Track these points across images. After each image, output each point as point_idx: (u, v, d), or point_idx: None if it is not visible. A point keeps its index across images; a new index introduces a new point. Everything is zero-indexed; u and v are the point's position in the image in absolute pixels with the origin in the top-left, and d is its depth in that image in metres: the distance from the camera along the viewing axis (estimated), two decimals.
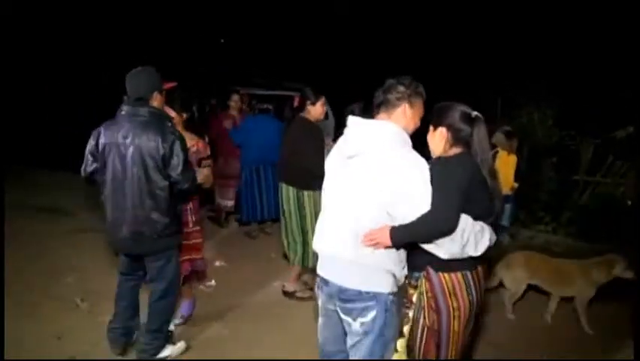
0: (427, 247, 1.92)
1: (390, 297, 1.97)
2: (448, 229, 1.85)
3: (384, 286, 1.95)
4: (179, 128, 3.28)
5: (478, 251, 1.93)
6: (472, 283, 1.99)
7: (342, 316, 2.06)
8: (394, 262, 1.98)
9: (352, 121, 2.10)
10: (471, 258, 1.95)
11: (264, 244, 5.28)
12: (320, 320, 2.22)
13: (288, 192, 3.81)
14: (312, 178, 3.56)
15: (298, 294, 4.00)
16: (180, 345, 3.07)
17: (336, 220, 2.04)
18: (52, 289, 3.88)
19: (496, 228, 2.07)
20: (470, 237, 1.89)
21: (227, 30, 13.06)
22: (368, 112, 3.95)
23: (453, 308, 1.97)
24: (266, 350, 3.18)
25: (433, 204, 1.83)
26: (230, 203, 5.86)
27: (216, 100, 7.80)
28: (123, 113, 2.65)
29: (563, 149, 6.79)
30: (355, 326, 2.00)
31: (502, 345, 3.40)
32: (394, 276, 1.98)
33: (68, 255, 4.52)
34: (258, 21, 12.42)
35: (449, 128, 2.04)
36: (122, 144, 2.61)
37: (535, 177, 6.48)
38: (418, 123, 2.10)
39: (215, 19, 12.20)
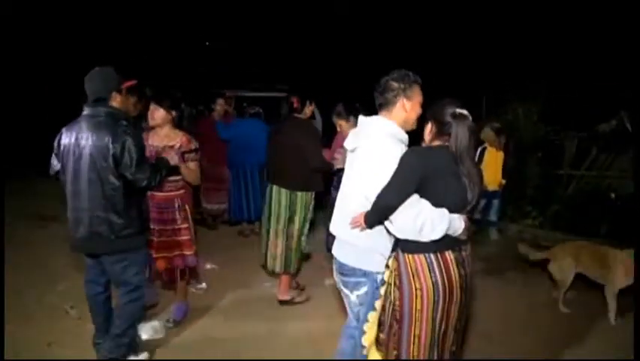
0: (387, 226, 2.13)
1: (379, 276, 2.26)
2: (387, 209, 2.05)
3: (374, 266, 2.25)
4: (167, 126, 3.28)
5: (436, 235, 2.03)
6: (435, 266, 2.09)
7: (342, 288, 2.41)
8: (384, 245, 2.23)
9: (359, 120, 2.37)
10: (434, 242, 2.06)
11: (254, 246, 5.26)
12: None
13: (280, 195, 3.68)
14: (317, 177, 3.61)
15: (297, 300, 3.91)
16: (143, 356, 2.97)
17: (339, 205, 2.40)
18: (44, 297, 3.85)
19: (471, 219, 2.20)
20: (427, 221, 2.02)
21: (212, 32, 13.01)
22: (351, 110, 4.00)
23: (415, 288, 2.10)
24: (260, 350, 3.18)
25: (381, 188, 2.06)
26: (217, 207, 5.90)
27: (203, 104, 7.79)
28: (84, 113, 2.67)
29: (547, 144, 6.87)
30: (353, 297, 2.35)
31: (493, 336, 3.45)
32: (383, 257, 2.24)
33: (63, 262, 4.47)
34: (244, 23, 12.40)
35: (434, 121, 2.18)
36: (77, 145, 2.62)
37: (521, 173, 6.56)
38: (420, 110, 2.30)
39: (201, 21, 12.16)
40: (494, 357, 3.18)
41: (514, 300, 4.12)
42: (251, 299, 3.97)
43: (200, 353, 3.12)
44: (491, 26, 9.04)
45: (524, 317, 3.84)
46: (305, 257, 4.10)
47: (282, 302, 3.86)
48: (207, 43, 13.57)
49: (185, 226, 3.37)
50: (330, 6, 11.23)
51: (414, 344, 2.14)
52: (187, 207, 3.40)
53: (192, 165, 3.27)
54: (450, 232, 2.06)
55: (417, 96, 2.26)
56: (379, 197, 2.05)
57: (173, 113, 3.32)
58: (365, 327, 2.31)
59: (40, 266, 4.48)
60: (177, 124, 3.41)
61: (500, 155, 5.77)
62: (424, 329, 2.12)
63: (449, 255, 2.11)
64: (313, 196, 3.73)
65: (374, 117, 2.30)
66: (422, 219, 2.01)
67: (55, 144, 2.75)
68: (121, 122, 2.64)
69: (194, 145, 3.32)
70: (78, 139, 2.62)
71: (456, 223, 2.07)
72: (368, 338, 2.30)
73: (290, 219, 3.67)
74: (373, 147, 2.20)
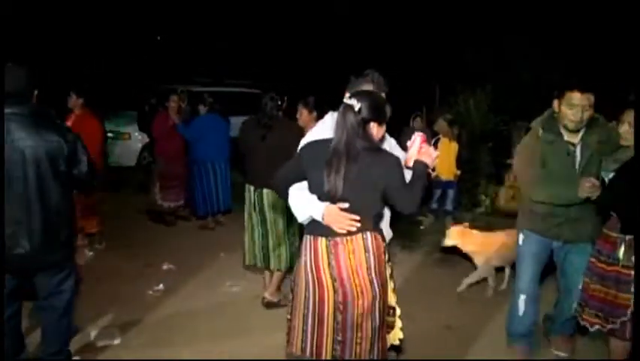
0: None
1: None
2: (274, 186, 2.36)
3: None
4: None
5: (300, 218, 2.21)
6: (308, 248, 2.16)
7: None
8: (385, 231, 2.32)
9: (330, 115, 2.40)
10: (310, 225, 2.17)
11: (213, 244, 5.19)
12: None
13: (271, 198, 3.58)
14: None
15: (283, 302, 3.59)
16: None
17: None
18: None
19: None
20: (297, 205, 2.20)
21: (166, 27, 12.67)
22: (319, 105, 3.93)
23: (299, 264, 2.24)
24: (225, 353, 3.13)
25: None
26: (174, 204, 5.88)
27: (156, 99, 7.59)
28: (9, 112, 2.34)
29: (497, 134, 7.12)
30: None
31: (459, 328, 3.55)
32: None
33: None
34: (196, 18, 12.14)
35: None
36: (13, 149, 2.32)
37: (474, 162, 6.76)
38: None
39: (151, 16, 11.81)
40: (452, 346, 3.29)
41: (466, 289, 4.21)
42: (210, 300, 3.89)
43: (153, 357, 3.02)
44: (441, 18, 9.24)
45: (479, 304, 3.95)
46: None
47: (269, 305, 3.72)
48: (159, 38, 13.20)
49: None
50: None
51: (291, 325, 2.23)
52: None
53: None
54: (318, 219, 2.09)
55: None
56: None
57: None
58: None
59: None
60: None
61: (454, 146, 5.92)
62: (296, 311, 2.19)
63: (320, 241, 2.10)
64: None
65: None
66: (294, 202, 2.19)
67: None
68: (57, 120, 2.48)
69: None
70: (14, 141, 2.32)
71: (316, 211, 2.08)
72: None
73: (289, 220, 3.64)
74: None
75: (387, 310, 2.19)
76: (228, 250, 4.88)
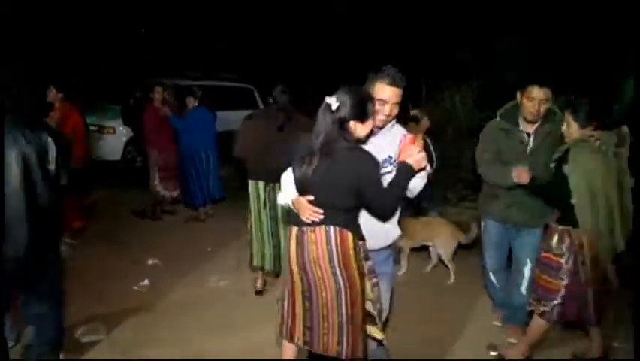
0: None
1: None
2: None
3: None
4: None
5: (280, 202, 2.41)
6: (287, 235, 2.30)
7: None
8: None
9: None
10: (290, 213, 2.34)
11: (199, 238, 5.17)
12: None
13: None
14: None
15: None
16: None
17: None
18: None
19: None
20: (281, 192, 2.36)
21: (151, 19, 12.49)
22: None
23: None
24: (211, 348, 3.13)
25: None
26: (176, 193, 5.96)
27: (141, 93, 7.50)
28: None
29: (482, 130, 7.16)
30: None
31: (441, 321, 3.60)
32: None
33: None
34: (184, 10, 12.00)
35: None
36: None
37: (458, 158, 6.82)
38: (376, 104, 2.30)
39: (135, 8, 11.64)
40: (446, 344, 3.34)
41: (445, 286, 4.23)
42: (196, 295, 3.87)
43: (139, 354, 3.01)
44: (428, 14, 9.28)
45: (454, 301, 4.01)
46: None
47: None
48: (143, 30, 13.02)
49: None
50: None
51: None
52: None
53: None
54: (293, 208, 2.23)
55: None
56: None
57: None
58: None
59: None
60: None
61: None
62: (283, 295, 2.34)
63: (293, 230, 2.23)
64: None
65: None
66: (281, 188, 2.33)
67: None
68: (39, 119, 2.46)
69: None
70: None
71: (288, 199, 2.25)
72: None
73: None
74: None
75: (364, 307, 2.21)
76: (215, 245, 4.87)
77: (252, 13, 11.69)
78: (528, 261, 3.07)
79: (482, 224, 3.34)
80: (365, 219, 2.30)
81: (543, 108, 2.91)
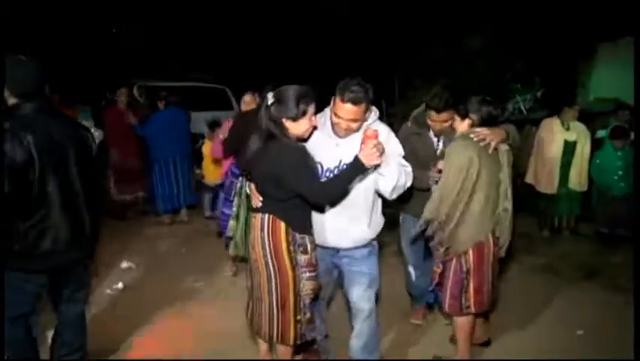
0: None
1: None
2: None
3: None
4: None
5: None
6: None
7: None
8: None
9: None
10: None
11: (173, 240, 5.13)
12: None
13: None
14: None
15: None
16: None
17: None
18: None
19: None
20: None
21: (124, 19, 12.28)
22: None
23: None
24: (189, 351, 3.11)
25: None
26: (130, 196, 5.80)
27: (113, 94, 7.36)
28: (32, 108, 2.21)
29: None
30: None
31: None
32: None
33: None
34: (154, 9, 11.83)
35: None
36: (54, 143, 2.23)
37: None
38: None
39: (107, 7, 11.43)
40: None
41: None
42: (175, 298, 3.82)
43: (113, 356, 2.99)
44: (400, 12, 9.38)
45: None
46: None
47: None
48: (114, 30, 12.80)
49: None
50: None
51: None
52: None
53: None
54: None
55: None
56: None
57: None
58: None
59: None
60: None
61: None
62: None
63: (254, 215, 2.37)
64: None
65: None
66: None
67: (16, 150, 2.10)
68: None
69: None
70: (52, 135, 2.21)
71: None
72: None
73: None
74: None
75: (296, 298, 2.27)
76: (190, 246, 4.84)
77: (227, 14, 11.62)
78: None
79: (400, 219, 3.35)
80: (332, 215, 2.36)
81: (444, 127, 2.94)
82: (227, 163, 3.96)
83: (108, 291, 3.87)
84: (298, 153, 2.20)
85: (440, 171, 2.73)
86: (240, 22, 11.67)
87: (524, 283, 4.11)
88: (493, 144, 2.63)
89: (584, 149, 4.98)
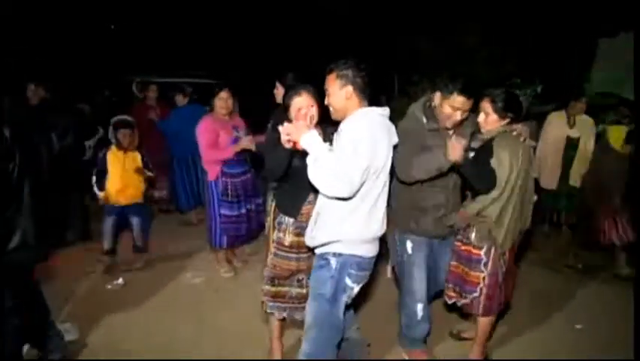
0: None
1: None
2: None
3: None
4: None
5: None
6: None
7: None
8: None
9: None
10: None
11: (173, 236, 5.12)
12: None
13: None
14: None
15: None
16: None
17: None
18: None
19: None
20: None
21: (121, 16, 12.21)
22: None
23: None
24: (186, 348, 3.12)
25: None
26: (157, 193, 5.75)
27: (110, 91, 7.37)
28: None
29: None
30: None
31: None
32: None
33: None
34: (156, 6, 11.79)
35: None
36: None
37: None
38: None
39: (104, 3, 11.38)
40: None
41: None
42: (174, 294, 3.85)
43: (116, 353, 2.99)
44: (398, 7, 9.35)
45: None
46: None
47: None
48: (112, 27, 12.75)
49: None
50: None
51: None
52: None
53: None
54: None
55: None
56: None
57: None
58: None
59: None
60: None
61: None
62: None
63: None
64: None
65: None
66: None
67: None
68: None
69: None
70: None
71: None
72: None
73: None
74: None
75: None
76: (189, 242, 4.84)
77: (227, 14, 11.59)
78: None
79: (400, 247, 2.87)
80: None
81: (464, 116, 2.65)
82: (219, 164, 3.91)
83: (109, 287, 3.88)
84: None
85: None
86: (240, 22, 11.63)
87: (523, 277, 4.12)
88: (528, 141, 2.66)
89: (587, 145, 4.93)
